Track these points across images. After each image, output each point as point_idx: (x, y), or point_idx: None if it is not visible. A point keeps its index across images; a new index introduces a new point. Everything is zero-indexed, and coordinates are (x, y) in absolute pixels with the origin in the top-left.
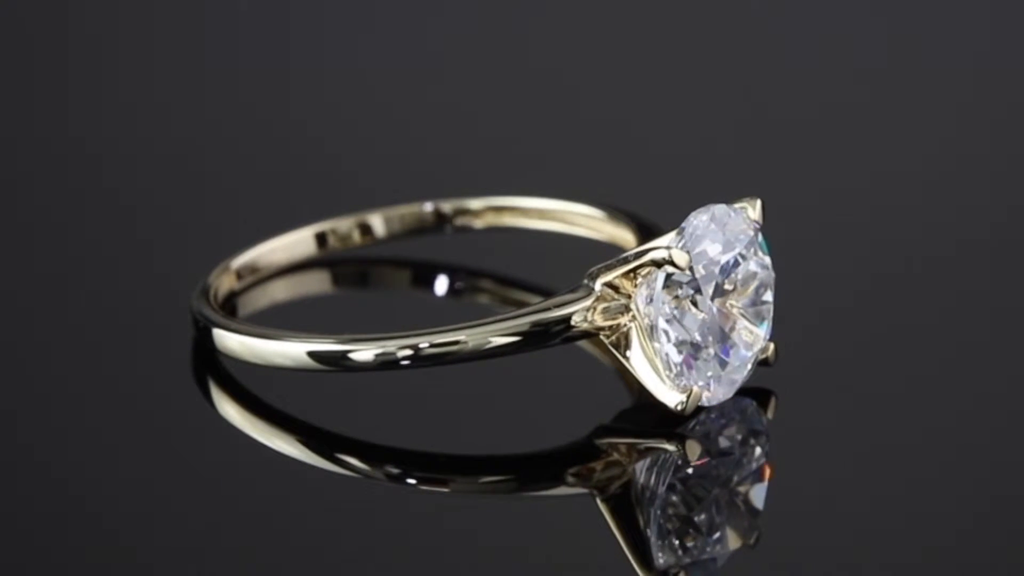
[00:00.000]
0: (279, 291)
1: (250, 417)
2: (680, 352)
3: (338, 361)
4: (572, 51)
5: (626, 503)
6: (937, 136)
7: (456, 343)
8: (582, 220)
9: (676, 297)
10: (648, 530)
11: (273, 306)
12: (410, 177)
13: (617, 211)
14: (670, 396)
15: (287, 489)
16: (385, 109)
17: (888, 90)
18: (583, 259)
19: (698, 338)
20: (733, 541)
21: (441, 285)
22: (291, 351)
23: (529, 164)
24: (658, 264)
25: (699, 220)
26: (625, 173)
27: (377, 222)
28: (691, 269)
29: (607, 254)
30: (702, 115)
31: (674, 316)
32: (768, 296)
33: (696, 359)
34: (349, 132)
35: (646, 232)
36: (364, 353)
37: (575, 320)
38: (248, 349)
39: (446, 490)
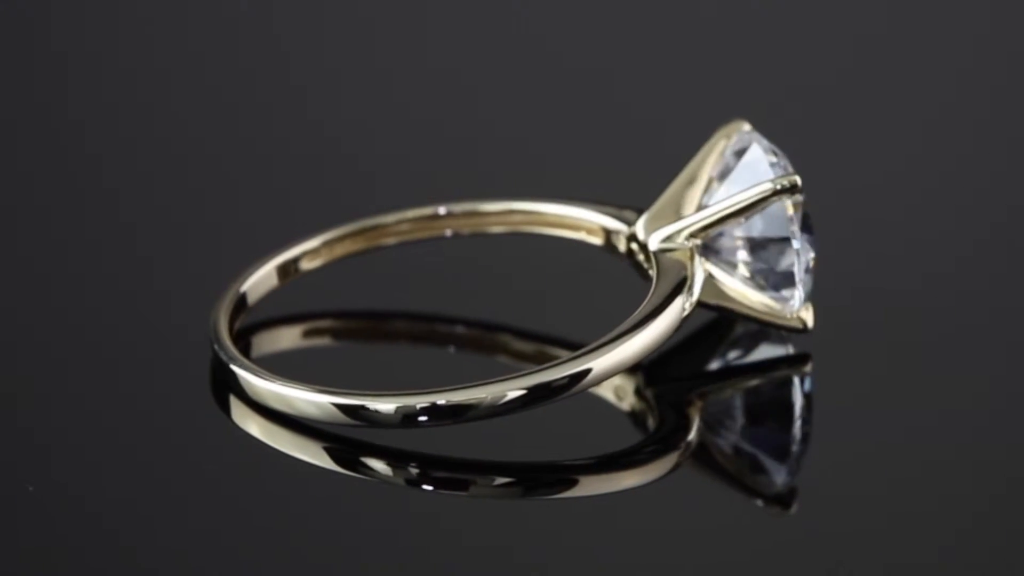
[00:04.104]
0: (286, 339)
1: (270, 427)
2: (808, 269)
3: (357, 413)
4: (580, 52)
5: (728, 441)
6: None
7: (586, 372)
8: (598, 228)
9: (789, 218)
10: (767, 457)
11: (282, 353)
12: (423, 180)
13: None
14: (789, 317)
15: (310, 494)
16: (395, 112)
17: (889, 92)
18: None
19: (813, 252)
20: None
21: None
22: (318, 401)
23: (548, 168)
24: (783, 192)
25: (764, 145)
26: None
27: (388, 226)
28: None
29: (604, 260)
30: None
31: (799, 236)
32: None
33: (810, 272)
34: (357, 136)
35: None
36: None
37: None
38: (275, 395)
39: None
